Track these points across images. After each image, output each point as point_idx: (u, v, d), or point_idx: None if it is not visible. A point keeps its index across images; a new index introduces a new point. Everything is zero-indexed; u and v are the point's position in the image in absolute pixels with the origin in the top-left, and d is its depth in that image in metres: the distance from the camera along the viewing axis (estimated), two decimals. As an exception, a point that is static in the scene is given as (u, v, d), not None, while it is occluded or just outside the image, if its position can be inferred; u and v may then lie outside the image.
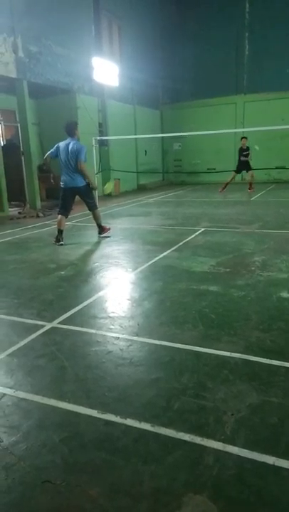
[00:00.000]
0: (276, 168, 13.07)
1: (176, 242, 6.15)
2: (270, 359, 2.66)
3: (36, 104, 12.57)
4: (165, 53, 17.76)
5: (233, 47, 16.84)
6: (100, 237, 6.79)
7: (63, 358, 2.79)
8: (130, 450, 1.91)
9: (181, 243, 6.12)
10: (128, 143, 15.76)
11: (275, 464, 1.78)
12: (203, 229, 7.17)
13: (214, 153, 18.00)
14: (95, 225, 6.90)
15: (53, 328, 3.30)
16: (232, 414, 2.12)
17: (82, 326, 3.31)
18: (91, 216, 6.92)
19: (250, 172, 13.26)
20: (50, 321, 3.44)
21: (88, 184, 6.46)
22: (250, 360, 2.66)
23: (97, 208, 6.76)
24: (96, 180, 11.09)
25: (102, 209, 10.39)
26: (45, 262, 5.43)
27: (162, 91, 18.67)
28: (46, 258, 5.65)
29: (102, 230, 6.86)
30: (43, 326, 3.33)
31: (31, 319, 3.50)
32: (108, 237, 6.79)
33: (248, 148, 13.05)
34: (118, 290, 4.24)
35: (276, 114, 15.63)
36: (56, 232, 6.47)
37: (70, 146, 6.18)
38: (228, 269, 4.71)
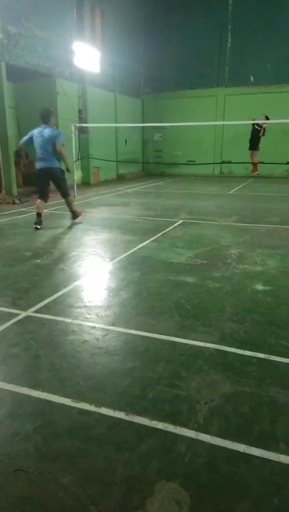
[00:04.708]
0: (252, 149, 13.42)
1: (154, 233, 6.16)
2: (244, 350, 2.71)
3: (14, 88, 12.24)
4: (148, 42, 17.56)
5: (216, 39, 16.81)
6: (74, 222, 6.89)
7: (38, 347, 2.76)
8: (104, 438, 1.92)
9: (159, 234, 6.13)
10: (108, 131, 15.58)
11: (246, 452, 1.82)
12: (181, 221, 7.20)
13: (195, 146, 18.04)
14: (70, 212, 7.00)
15: (27, 317, 3.26)
16: (205, 403, 2.16)
17: (57, 315, 3.28)
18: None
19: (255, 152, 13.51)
20: (25, 309, 3.39)
21: (62, 169, 6.63)
22: (224, 351, 2.71)
23: (69, 195, 6.87)
24: (74, 167, 10.96)
25: (80, 198, 10.30)
26: (20, 250, 5.33)
27: (144, 80, 18.50)
28: (22, 246, 5.55)
29: (74, 215, 6.97)
30: (17, 315, 3.28)
31: (5, 307, 3.44)
32: (81, 223, 6.93)
33: (263, 131, 13.13)
34: (95, 279, 4.22)
35: (256, 109, 15.74)
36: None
37: (46, 132, 6.30)
38: (204, 261, 4.75)
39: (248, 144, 13.51)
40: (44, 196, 6.71)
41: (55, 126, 6.63)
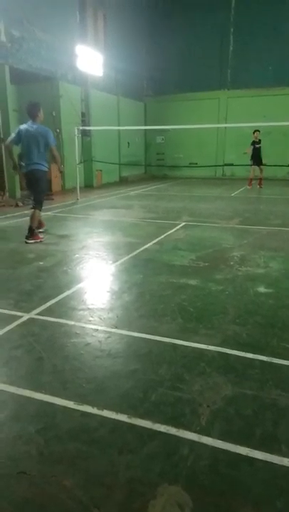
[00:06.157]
0: (257, 165, 13.29)
1: (157, 236, 6.16)
2: (246, 352, 2.70)
3: (18, 90, 12.28)
4: (150, 45, 17.64)
5: (218, 42, 16.87)
6: (25, 242, 5.76)
7: (41, 349, 2.76)
8: (106, 441, 1.92)
9: (161, 237, 6.13)
10: (111, 134, 15.63)
11: (249, 455, 1.82)
12: (184, 223, 7.20)
13: (197, 148, 18.07)
14: (28, 226, 5.87)
15: (30, 319, 3.26)
16: (207, 406, 2.15)
17: (60, 318, 3.28)
18: (73, 207, 6.85)
19: (260, 167, 13.27)
20: (28, 311, 3.40)
21: (46, 173, 6.02)
22: (226, 353, 2.70)
23: (40, 209, 5.94)
24: (78, 170, 10.98)
25: (83, 200, 10.31)
26: (23, 252, 5.34)
27: (146, 83, 18.56)
28: (25, 248, 5.56)
29: (31, 235, 5.83)
30: (20, 317, 3.29)
31: (8, 310, 3.45)
32: (37, 242, 5.82)
33: (260, 141, 13.01)
34: (98, 282, 4.22)
35: (258, 111, 15.77)
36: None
37: (35, 131, 5.62)
38: (207, 264, 4.75)
39: (254, 161, 13.14)
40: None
41: (42, 122, 5.87)
